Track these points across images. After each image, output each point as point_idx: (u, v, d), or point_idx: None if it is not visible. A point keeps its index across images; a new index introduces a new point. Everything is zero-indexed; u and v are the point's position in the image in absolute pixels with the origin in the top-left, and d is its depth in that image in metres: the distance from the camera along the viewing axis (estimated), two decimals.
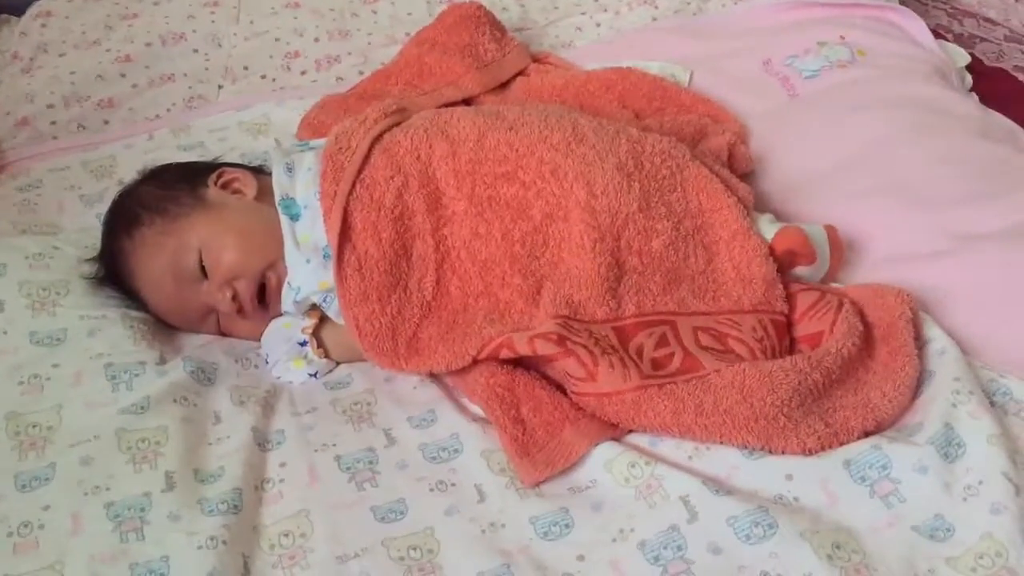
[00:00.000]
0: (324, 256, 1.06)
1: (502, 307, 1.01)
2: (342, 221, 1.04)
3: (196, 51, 1.62)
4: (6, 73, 1.58)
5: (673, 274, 1.02)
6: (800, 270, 1.08)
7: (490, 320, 1.00)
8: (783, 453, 0.89)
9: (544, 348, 0.93)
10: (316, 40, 1.64)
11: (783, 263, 1.07)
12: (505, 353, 0.95)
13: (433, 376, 1.03)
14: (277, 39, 1.64)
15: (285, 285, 1.07)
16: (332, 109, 1.40)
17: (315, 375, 1.06)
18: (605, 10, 1.69)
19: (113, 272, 1.11)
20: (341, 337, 1.07)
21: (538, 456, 0.91)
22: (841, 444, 0.89)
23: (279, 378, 1.07)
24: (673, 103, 1.37)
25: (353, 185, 1.06)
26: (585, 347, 0.93)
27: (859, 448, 0.88)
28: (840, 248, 1.11)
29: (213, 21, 1.67)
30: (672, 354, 0.95)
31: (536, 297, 1.01)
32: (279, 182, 1.11)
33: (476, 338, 0.97)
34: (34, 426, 0.96)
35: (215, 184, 1.14)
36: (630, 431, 0.93)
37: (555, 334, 0.94)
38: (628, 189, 1.03)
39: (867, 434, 0.90)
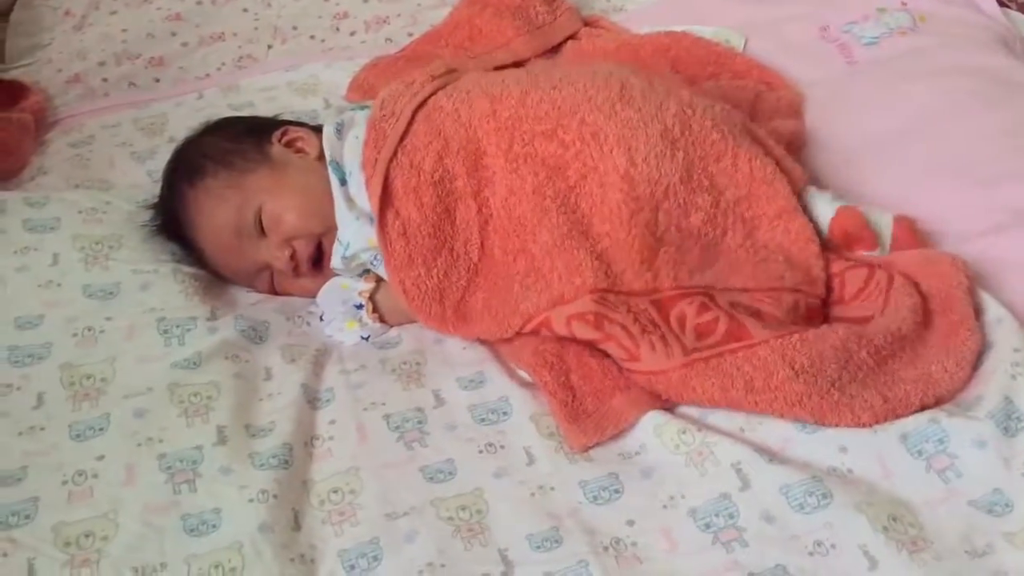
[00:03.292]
0: (372, 218, 1.05)
1: (537, 266, 0.99)
2: (384, 187, 1.03)
3: (246, 11, 1.62)
4: (59, 30, 1.59)
5: (711, 249, 0.99)
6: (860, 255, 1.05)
7: (526, 286, 0.99)
8: (837, 426, 0.87)
9: (582, 332, 0.93)
10: (365, 1, 1.63)
11: (839, 244, 1.04)
12: (545, 331, 0.95)
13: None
14: None
15: (336, 242, 1.07)
16: (381, 71, 1.39)
17: (367, 338, 1.06)
18: None
19: (172, 220, 1.12)
20: (397, 301, 1.06)
21: (587, 422, 0.90)
22: (898, 418, 0.87)
23: (331, 337, 1.07)
24: (727, 69, 1.34)
25: (395, 152, 1.05)
26: (623, 327, 0.92)
27: (916, 422, 0.86)
28: (916, 241, 1.06)
29: None
30: (716, 319, 0.93)
31: (565, 256, 0.97)
32: (329, 143, 1.11)
33: (517, 314, 0.97)
34: (88, 377, 0.97)
35: (279, 142, 1.14)
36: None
37: (592, 314, 0.93)
38: (671, 157, 1.00)
39: (924, 407, 0.88)
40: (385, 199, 1.03)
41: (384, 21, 1.59)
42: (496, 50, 1.40)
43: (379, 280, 1.09)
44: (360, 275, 1.10)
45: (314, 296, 1.11)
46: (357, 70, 1.43)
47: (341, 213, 1.06)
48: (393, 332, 1.07)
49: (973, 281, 0.98)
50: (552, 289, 0.96)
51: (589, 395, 0.92)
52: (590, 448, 0.89)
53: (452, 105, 1.07)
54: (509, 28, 1.41)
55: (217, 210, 1.09)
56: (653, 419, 0.90)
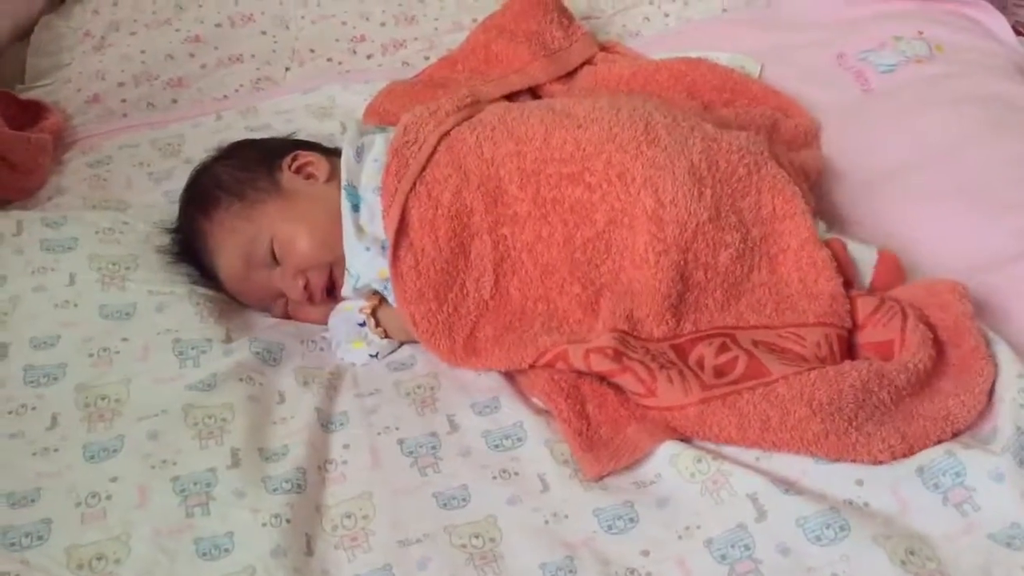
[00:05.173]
0: (383, 247, 1.06)
1: (560, 315, 1.00)
2: (400, 217, 1.04)
3: (264, 33, 1.63)
4: (78, 51, 1.61)
5: (735, 288, 0.99)
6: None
7: (547, 329, 0.99)
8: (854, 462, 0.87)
9: (599, 364, 0.93)
10: (382, 24, 1.64)
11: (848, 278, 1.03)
12: (561, 365, 0.95)
13: None
14: (344, 22, 1.64)
15: (345, 272, 1.07)
16: (398, 96, 1.39)
17: (376, 355, 1.06)
18: (673, 0, 1.67)
19: (189, 248, 1.13)
20: (400, 317, 1.06)
21: (602, 451, 0.90)
22: (914, 454, 0.86)
23: (342, 359, 1.07)
24: (743, 95, 1.34)
25: (413, 183, 1.05)
26: (642, 362, 0.92)
27: (932, 455, 0.85)
28: (898, 279, 1.06)
29: (281, 3, 1.68)
30: (736, 358, 0.93)
31: (594, 307, 0.99)
32: (347, 165, 1.11)
33: (532, 346, 0.97)
34: (103, 398, 0.97)
35: (290, 168, 1.14)
36: None
37: (611, 348, 0.92)
38: (699, 196, 1.00)
39: (941, 441, 0.88)
40: (400, 229, 1.03)
41: (401, 45, 1.60)
42: (512, 75, 1.40)
43: (383, 296, 1.08)
44: (364, 294, 1.10)
45: (326, 323, 1.11)
46: (374, 94, 1.43)
47: (351, 243, 1.06)
48: (406, 353, 1.07)
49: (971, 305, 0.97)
50: (573, 334, 0.97)
51: (604, 424, 0.92)
52: (605, 476, 0.89)
53: (475, 139, 1.07)
54: (525, 53, 1.41)
55: (230, 241, 1.10)
56: (669, 448, 0.89)
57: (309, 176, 1.14)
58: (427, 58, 1.55)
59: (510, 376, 1.02)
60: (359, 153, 1.13)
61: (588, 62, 1.45)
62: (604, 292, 0.99)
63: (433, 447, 0.94)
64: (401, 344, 1.08)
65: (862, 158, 1.28)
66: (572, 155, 1.04)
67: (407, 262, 1.02)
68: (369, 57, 1.58)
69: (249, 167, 1.14)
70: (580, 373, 0.96)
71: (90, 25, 1.65)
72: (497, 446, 0.93)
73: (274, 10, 1.67)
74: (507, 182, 1.04)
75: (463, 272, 1.03)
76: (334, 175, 1.12)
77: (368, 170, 1.10)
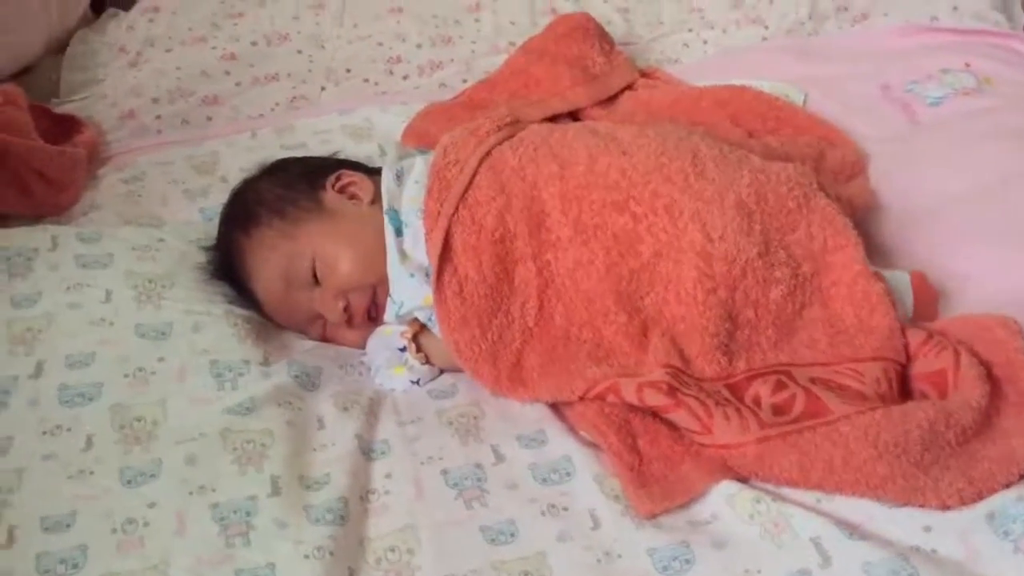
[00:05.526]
0: (428, 274, 1.03)
1: (606, 345, 0.97)
2: (443, 242, 1.01)
3: (300, 52, 1.62)
4: (113, 66, 1.60)
5: (787, 325, 0.96)
6: None
7: (595, 359, 0.96)
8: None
9: (653, 399, 0.90)
10: (419, 46, 1.63)
11: None
12: (611, 398, 0.92)
13: None
14: (380, 43, 1.63)
15: (388, 298, 1.04)
16: (436, 117, 1.38)
17: (417, 382, 1.04)
18: (712, 27, 1.66)
19: (227, 265, 1.11)
20: (441, 343, 1.04)
21: (655, 488, 0.86)
22: (982, 499, 0.83)
23: (381, 385, 1.05)
24: (788, 124, 1.32)
25: (456, 206, 1.03)
26: (696, 398, 0.89)
27: (1003, 500, 0.82)
28: (933, 298, 1.05)
29: (317, 23, 1.67)
30: (793, 396, 0.90)
31: (642, 340, 0.96)
32: (388, 189, 1.09)
33: (581, 378, 0.94)
34: (139, 420, 0.95)
35: (333, 187, 1.12)
36: None
37: (665, 383, 0.90)
38: (748, 232, 0.97)
39: (1009, 484, 0.84)
40: (444, 254, 1.01)
41: (438, 66, 1.59)
42: (552, 98, 1.39)
43: (423, 324, 1.06)
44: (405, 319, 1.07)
45: (364, 347, 1.09)
46: (412, 115, 1.41)
47: (395, 269, 1.04)
48: (447, 381, 1.05)
49: None
50: (622, 367, 0.94)
51: (657, 460, 0.89)
52: (658, 515, 0.86)
53: (517, 161, 1.05)
54: (566, 77, 1.40)
55: (270, 260, 1.07)
56: (725, 487, 0.86)
57: (353, 197, 1.12)
58: (465, 80, 1.53)
59: (556, 407, 0.99)
60: (399, 176, 1.11)
61: (629, 87, 1.44)
62: (651, 326, 0.96)
63: (478, 479, 0.91)
64: (441, 372, 1.06)
65: (909, 191, 1.25)
66: (617, 182, 1.01)
67: (451, 288, 1.00)
68: (406, 78, 1.57)
69: (292, 185, 1.12)
70: (631, 407, 0.93)
71: (125, 41, 1.65)
72: (545, 480, 0.90)
73: (310, 29, 1.66)
74: (550, 207, 1.02)
75: (507, 299, 1.00)
76: (378, 197, 1.10)
77: (409, 193, 1.08)
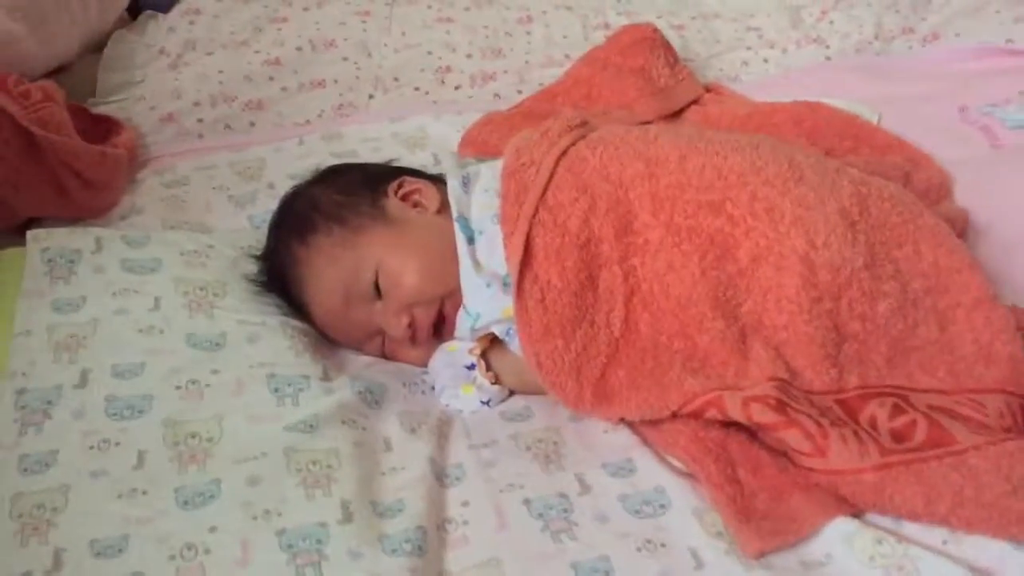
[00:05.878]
0: (505, 283, 0.96)
1: (701, 355, 0.90)
2: (523, 248, 0.94)
3: (346, 59, 1.57)
4: (152, 68, 1.54)
5: (899, 344, 0.89)
6: None
7: (690, 370, 0.89)
8: None
9: (761, 415, 0.82)
10: (469, 56, 1.58)
11: None
12: (712, 413, 0.85)
13: (624, 420, 0.92)
14: (429, 52, 1.58)
15: (461, 311, 0.97)
16: (496, 126, 1.32)
17: (487, 403, 0.96)
18: (772, 46, 1.61)
19: (279, 276, 1.03)
20: (514, 362, 0.97)
21: (763, 524, 0.79)
22: None
23: (447, 405, 0.97)
24: (867, 143, 1.26)
25: (536, 208, 0.96)
26: (809, 416, 0.82)
27: None
28: None
29: (365, 30, 1.62)
30: (913, 422, 0.83)
31: (741, 347, 0.89)
32: (455, 197, 1.02)
33: (677, 391, 0.87)
34: (193, 436, 0.87)
35: (395, 194, 1.05)
36: None
37: (773, 398, 0.83)
38: (853, 241, 0.90)
39: None
40: (524, 261, 0.94)
41: (491, 77, 1.53)
42: (616, 110, 1.33)
43: (493, 338, 0.99)
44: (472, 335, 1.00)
45: (426, 365, 1.02)
46: (468, 125, 1.36)
47: (469, 279, 0.97)
48: (519, 403, 0.97)
49: None
50: (723, 379, 0.87)
51: (761, 492, 0.82)
52: (766, 554, 0.78)
53: (599, 160, 0.98)
54: (631, 89, 1.34)
55: (328, 271, 1.00)
56: (841, 525, 0.79)
57: (416, 205, 1.05)
58: (520, 91, 1.48)
59: (642, 434, 0.91)
60: (465, 184, 1.04)
61: (695, 103, 1.38)
62: (748, 333, 0.89)
63: (564, 510, 0.83)
64: (511, 393, 0.99)
65: (997, 218, 1.18)
66: (712, 183, 0.94)
67: (533, 296, 0.92)
68: (457, 88, 1.51)
69: (351, 191, 1.05)
70: (727, 431, 0.86)
71: (165, 43, 1.59)
72: (637, 512, 0.83)
73: (357, 36, 1.61)
74: (637, 207, 0.95)
75: (592, 307, 0.93)
76: (445, 206, 1.03)
77: (479, 201, 1.01)
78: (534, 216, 0.95)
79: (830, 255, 0.89)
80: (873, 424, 0.83)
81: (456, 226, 1.00)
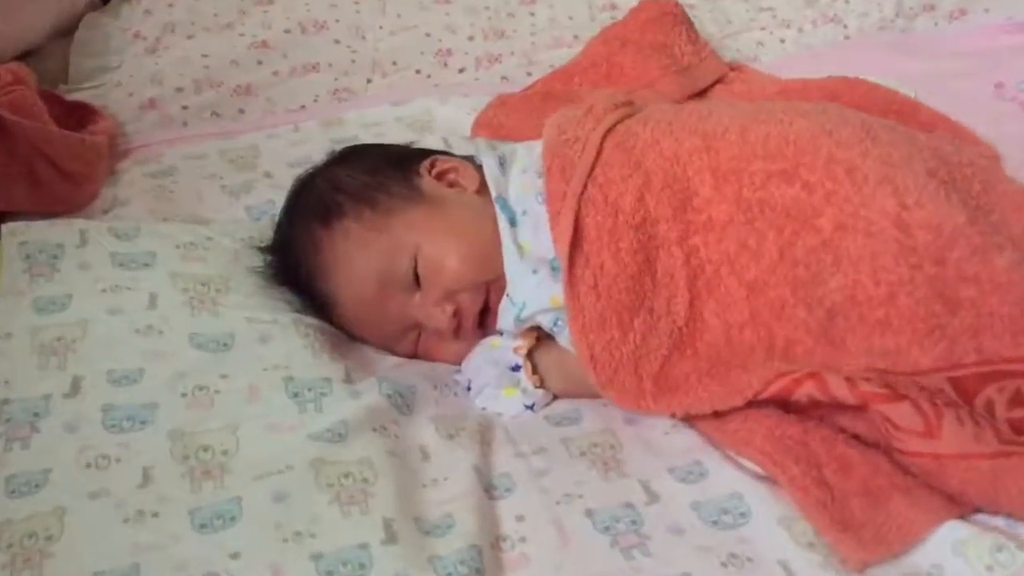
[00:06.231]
0: (553, 268, 0.87)
1: (781, 345, 0.80)
2: (573, 228, 0.85)
3: (338, 42, 1.46)
4: (129, 53, 1.43)
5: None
6: None
7: (771, 358, 0.80)
8: None
9: (868, 388, 0.73)
10: (470, 38, 1.48)
11: None
12: (807, 390, 0.75)
13: (686, 420, 0.83)
14: (428, 34, 1.48)
15: (505, 300, 0.88)
16: (512, 108, 1.23)
17: (531, 407, 0.87)
18: (788, 26, 1.53)
19: (297, 267, 0.93)
20: (563, 362, 0.88)
21: (863, 532, 0.70)
22: None
23: (484, 409, 0.88)
24: (910, 119, 1.17)
25: (584, 185, 0.87)
26: (921, 393, 0.73)
27: None
28: None
29: (358, 12, 1.51)
30: None
31: (828, 333, 0.79)
32: (492, 177, 0.93)
33: (759, 373, 0.78)
34: (205, 449, 0.77)
35: (429, 173, 0.96)
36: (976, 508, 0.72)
37: (878, 378, 0.74)
38: (947, 199, 0.81)
39: None
40: (573, 243, 0.84)
41: (496, 59, 1.44)
42: (640, 89, 1.24)
43: (539, 334, 0.90)
44: (515, 331, 0.91)
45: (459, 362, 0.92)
46: (476, 107, 1.27)
47: (513, 265, 0.87)
48: (565, 406, 0.88)
49: None
50: (804, 366, 0.77)
51: (854, 495, 0.73)
52: (870, 566, 0.69)
53: (650, 135, 0.89)
54: (654, 67, 1.25)
55: (360, 258, 0.90)
56: (951, 530, 0.70)
57: (453, 184, 0.95)
58: (529, 74, 1.40)
59: (708, 434, 0.82)
60: (502, 164, 0.95)
61: (719, 82, 1.30)
62: (838, 316, 0.79)
63: (633, 521, 0.74)
64: (555, 397, 0.89)
65: None
66: (780, 151, 0.85)
67: (585, 282, 0.83)
68: (462, 71, 1.42)
69: (379, 171, 0.95)
70: (805, 428, 0.77)
71: (141, 26, 1.47)
72: (716, 523, 0.74)
73: (350, 18, 1.50)
74: (697, 183, 0.85)
75: (651, 294, 0.83)
76: (483, 187, 0.94)
77: (518, 181, 0.92)
78: (582, 194, 0.85)
79: (926, 214, 0.79)
80: (990, 409, 0.74)
81: (496, 206, 0.90)
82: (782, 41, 1.51)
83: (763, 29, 1.53)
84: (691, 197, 0.85)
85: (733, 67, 1.35)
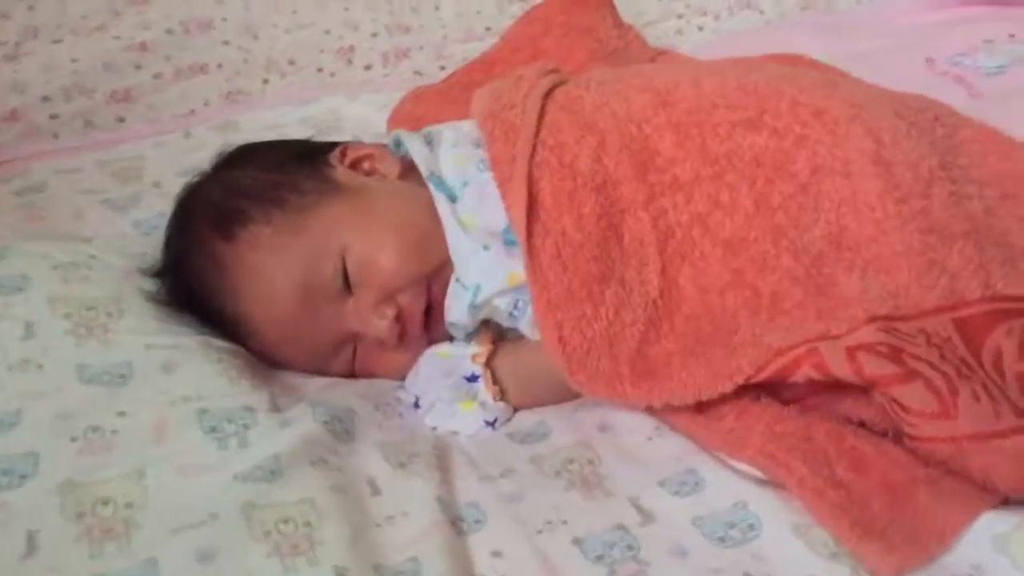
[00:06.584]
0: (506, 242, 0.76)
1: (767, 304, 0.71)
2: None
3: (227, 43, 1.33)
4: None
5: (1010, 249, 0.71)
6: None
7: (760, 325, 0.70)
8: None
9: (874, 367, 0.64)
10: (374, 35, 1.37)
11: None
12: (805, 371, 0.66)
13: (668, 417, 0.73)
14: (327, 31, 1.37)
15: (454, 286, 0.77)
16: (431, 101, 1.13)
17: (493, 423, 0.76)
18: (704, 14, 1.47)
19: (198, 288, 0.79)
20: (524, 363, 0.77)
21: (893, 536, 0.61)
22: None
23: (435, 429, 0.76)
24: None
25: (534, 147, 0.77)
26: (932, 365, 0.65)
27: None
28: None
29: (247, 9, 1.38)
30: None
31: (818, 283, 0.71)
32: (421, 155, 0.82)
33: (748, 352, 0.69)
34: (105, 503, 0.63)
35: (342, 163, 0.84)
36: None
37: (885, 345, 0.65)
38: (919, 139, 0.75)
39: None
40: (529, 212, 0.74)
41: (404, 55, 1.33)
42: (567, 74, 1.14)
43: (495, 341, 0.79)
44: (466, 337, 0.80)
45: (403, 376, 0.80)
46: (389, 104, 1.16)
47: (460, 244, 0.76)
48: (529, 419, 0.77)
49: None
50: (807, 328, 0.68)
51: (874, 494, 0.64)
52: (904, 572, 0.60)
53: (597, 96, 0.81)
54: (581, 51, 1.17)
55: (274, 269, 0.77)
56: (987, 525, 0.62)
57: (371, 172, 0.84)
58: (443, 68, 1.30)
59: (695, 436, 0.72)
60: (428, 142, 0.84)
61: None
62: (826, 263, 0.71)
63: (629, 546, 0.63)
64: (516, 411, 0.78)
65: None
66: (740, 100, 0.77)
67: (547, 251, 0.73)
68: (368, 68, 1.31)
69: (282, 167, 0.83)
70: (807, 419, 0.69)
71: None
72: (722, 539, 0.64)
73: (238, 16, 1.37)
74: (656, 140, 0.77)
75: (620, 263, 0.74)
76: (406, 171, 0.83)
77: (450, 156, 0.81)
78: (533, 157, 0.75)
79: (902, 152, 0.73)
80: (998, 364, 0.65)
81: (430, 185, 0.79)
82: (700, 29, 1.45)
83: (680, 17, 1.47)
84: (652, 156, 0.77)
85: (660, 51, 1.28)
